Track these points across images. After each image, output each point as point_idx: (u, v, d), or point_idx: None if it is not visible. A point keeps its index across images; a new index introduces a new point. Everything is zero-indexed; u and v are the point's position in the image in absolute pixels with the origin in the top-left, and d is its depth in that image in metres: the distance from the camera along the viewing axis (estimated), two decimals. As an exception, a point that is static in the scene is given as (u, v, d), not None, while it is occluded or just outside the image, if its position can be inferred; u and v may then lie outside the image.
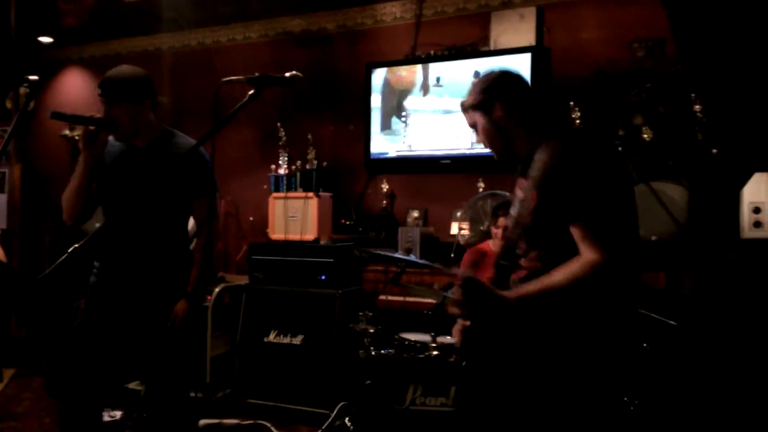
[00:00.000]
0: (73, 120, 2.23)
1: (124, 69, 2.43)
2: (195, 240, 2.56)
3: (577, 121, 3.68)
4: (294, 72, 1.82)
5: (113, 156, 2.45)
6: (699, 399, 2.85)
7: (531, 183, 1.79)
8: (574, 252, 1.66)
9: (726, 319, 2.96)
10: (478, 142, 2.00)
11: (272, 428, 3.63)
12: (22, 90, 5.43)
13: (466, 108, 1.95)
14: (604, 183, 1.70)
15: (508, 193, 3.82)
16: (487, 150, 2.03)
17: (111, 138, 2.45)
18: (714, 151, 3.36)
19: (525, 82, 1.96)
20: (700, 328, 2.91)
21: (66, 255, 1.57)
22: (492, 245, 3.55)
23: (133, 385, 3.96)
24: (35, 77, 2.05)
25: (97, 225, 1.85)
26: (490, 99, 1.87)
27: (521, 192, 1.86)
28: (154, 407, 2.54)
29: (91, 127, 2.26)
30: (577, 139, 1.87)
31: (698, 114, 3.43)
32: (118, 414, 3.63)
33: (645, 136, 3.55)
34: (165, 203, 2.41)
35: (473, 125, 1.96)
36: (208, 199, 2.49)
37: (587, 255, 1.63)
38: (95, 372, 2.37)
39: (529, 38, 4.05)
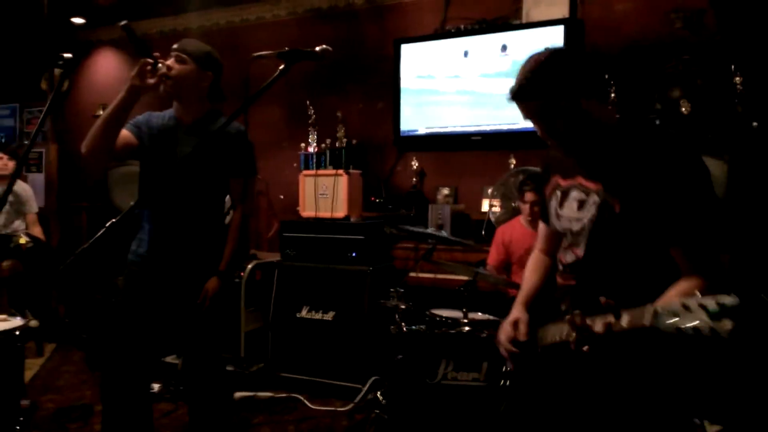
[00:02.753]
0: (136, 41, 2.17)
1: (204, 44, 2.51)
2: (229, 215, 2.60)
3: (612, 95, 3.60)
4: (324, 46, 1.80)
5: (160, 127, 2.48)
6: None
7: (611, 187, 1.57)
8: (648, 272, 1.52)
9: (765, 296, 2.90)
10: (542, 136, 1.62)
11: (305, 401, 3.69)
12: (57, 70, 5.51)
13: (525, 98, 1.57)
14: (712, 199, 1.50)
15: (539, 169, 3.78)
16: (517, 125, 1.85)
17: (158, 114, 2.50)
18: (754, 124, 3.26)
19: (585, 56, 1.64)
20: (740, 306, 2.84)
21: (104, 230, 1.59)
22: (522, 221, 3.52)
23: (170, 359, 4.06)
24: (69, 55, 2.07)
25: (132, 203, 1.87)
26: (568, 82, 1.53)
27: (584, 194, 1.65)
28: (192, 380, 2.60)
29: (150, 60, 2.22)
30: (679, 142, 1.57)
31: (738, 86, 3.32)
32: (156, 386, 3.72)
33: (683, 109, 3.46)
34: (205, 179, 2.44)
35: (534, 117, 1.60)
36: (245, 180, 2.54)
37: (693, 282, 1.44)
38: (136, 347, 2.43)
39: (562, 10, 3.96)
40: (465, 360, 2.79)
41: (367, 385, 3.65)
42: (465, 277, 3.15)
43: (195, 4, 5.24)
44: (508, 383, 1.74)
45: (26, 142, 5.84)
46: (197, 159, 2.37)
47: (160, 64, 2.26)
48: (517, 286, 3.23)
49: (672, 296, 1.42)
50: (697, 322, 1.18)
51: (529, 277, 1.94)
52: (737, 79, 3.31)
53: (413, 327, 3.01)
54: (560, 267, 1.78)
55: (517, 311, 1.82)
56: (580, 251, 1.67)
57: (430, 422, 2.81)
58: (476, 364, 2.77)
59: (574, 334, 1.45)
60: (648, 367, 1.57)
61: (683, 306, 1.21)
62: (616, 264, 1.59)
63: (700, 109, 3.44)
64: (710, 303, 1.18)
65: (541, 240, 1.94)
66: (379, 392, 3.22)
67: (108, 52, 6.02)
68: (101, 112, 5.64)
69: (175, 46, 2.42)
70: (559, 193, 1.75)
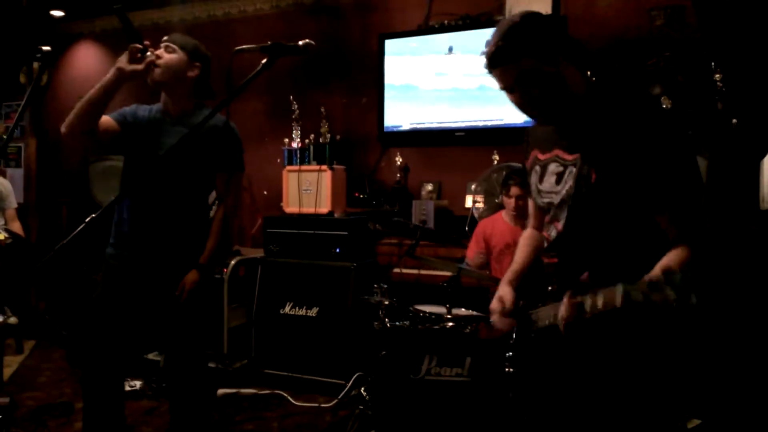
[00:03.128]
0: (127, 25, 2.16)
1: (192, 38, 2.53)
2: (213, 208, 2.58)
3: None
4: (307, 40, 1.79)
5: (146, 118, 2.46)
6: (715, 373, 2.84)
7: (588, 156, 1.56)
8: (628, 242, 1.51)
9: (744, 291, 2.94)
10: (519, 105, 1.59)
11: (289, 398, 3.68)
12: (35, 64, 5.43)
13: (501, 61, 1.53)
14: (693, 161, 1.48)
15: (522, 165, 3.79)
16: (501, 122, 1.85)
17: (145, 106, 2.49)
18: (734, 121, 3.29)
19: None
20: (719, 300, 2.88)
21: (83, 225, 1.57)
22: (504, 216, 3.53)
23: (152, 356, 4.02)
24: (48, 48, 2.04)
25: (113, 197, 1.85)
26: (544, 42, 1.50)
27: (562, 166, 1.64)
28: (173, 377, 2.58)
29: (138, 46, 2.22)
30: (651, 104, 1.56)
31: (718, 83, 3.35)
32: (137, 384, 3.69)
33: (663, 105, 3.49)
34: (189, 172, 2.43)
35: (511, 85, 1.56)
36: (230, 175, 2.53)
37: (680, 253, 1.44)
38: (114, 343, 2.41)
39: (545, 6, 3.98)
40: (448, 355, 2.79)
41: (351, 382, 3.65)
42: (448, 273, 3.16)
43: (176, -3, 5.19)
44: (512, 370, 1.74)
45: (4, 137, 5.75)
46: (181, 151, 2.32)
47: (149, 52, 2.25)
48: (498, 282, 3.26)
49: (662, 266, 1.41)
50: (665, 295, 1.21)
51: (518, 252, 1.95)
52: (717, 76, 3.34)
53: (397, 323, 3.01)
54: (545, 245, 1.78)
55: (501, 288, 1.83)
56: (560, 225, 1.67)
57: (414, 418, 2.82)
58: (460, 360, 2.78)
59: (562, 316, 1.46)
60: (626, 346, 1.57)
61: (650, 283, 1.24)
62: (595, 235, 1.57)
63: (680, 106, 3.47)
64: (676, 277, 1.21)
65: (532, 216, 1.95)
66: (362, 388, 3.22)
67: (88, 45, 5.94)
68: (81, 106, 5.59)
69: (165, 38, 2.42)
70: (538, 167, 1.75)
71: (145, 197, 2.41)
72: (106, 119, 2.34)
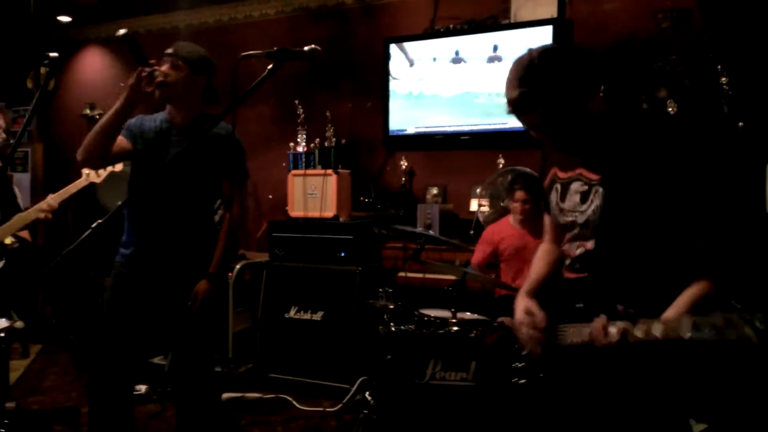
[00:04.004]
0: (134, 49, 2.19)
1: (198, 46, 2.52)
2: (219, 212, 2.59)
3: (600, 94, 3.62)
4: (313, 46, 1.79)
5: (153, 129, 2.48)
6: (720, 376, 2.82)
7: (614, 178, 1.54)
8: (660, 264, 1.51)
9: (750, 295, 2.92)
10: (545, 141, 1.62)
11: (293, 402, 3.68)
12: (43, 69, 5.46)
13: (526, 110, 1.53)
14: (727, 191, 1.52)
15: (528, 169, 3.79)
16: (506, 125, 1.83)
17: (150, 117, 2.50)
18: (740, 124, 3.28)
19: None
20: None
21: (90, 230, 1.58)
22: (511, 220, 3.53)
23: (157, 360, 4.03)
24: (55, 54, 2.06)
25: (119, 202, 1.86)
26: (560, 84, 1.48)
27: (587, 185, 1.62)
28: (180, 382, 2.58)
29: (147, 69, 2.23)
30: (682, 132, 1.60)
31: (724, 86, 3.34)
32: (143, 388, 3.70)
33: (670, 109, 3.47)
34: (195, 181, 2.44)
35: (538, 126, 1.56)
36: (236, 183, 2.55)
37: (702, 287, 1.44)
38: (122, 348, 2.41)
39: (550, 10, 3.98)
40: (453, 360, 2.79)
41: (356, 386, 3.65)
42: (453, 277, 3.16)
43: (183, 2, 5.21)
44: (523, 381, 1.73)
45: (11, 141, 5.77)
46: (187, 160, 2.36)
47: (156, 72, 2.26)
48: (506, 286, 3.25)
49: (685, 303, 1.42)
50: (744, 334, 1.23)
51: (536, 265, 1.93)
52: (723, 79, 3.33)
53: (402, 327, 3.01)
54: (567, 261, 1.75)
55: (524, 300, 1.79)
56: (589, 244, 1.64)
57: (419, 422, 2.81)
58: (465, 364, 2.78)
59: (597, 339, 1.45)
60: (664, 372, 1.56)
61: (725, 319, 1.25)
62: (627, 257, 1.57)
63: (686, 110, 3.46)
64: (757, 318, 1.23)
65: (549, 231, 1.93)
66: (367, 392, 3.22)
67: (94, 51, 5.97)
68: (88, 111, 5.63)
69: (169, 50, 2.41)
70: (558, 185, 1.73)
71: (153, 205, 2.43)
72: (118, 138, 2.36)
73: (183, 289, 2.44)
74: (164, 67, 2.35)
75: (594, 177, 1.61)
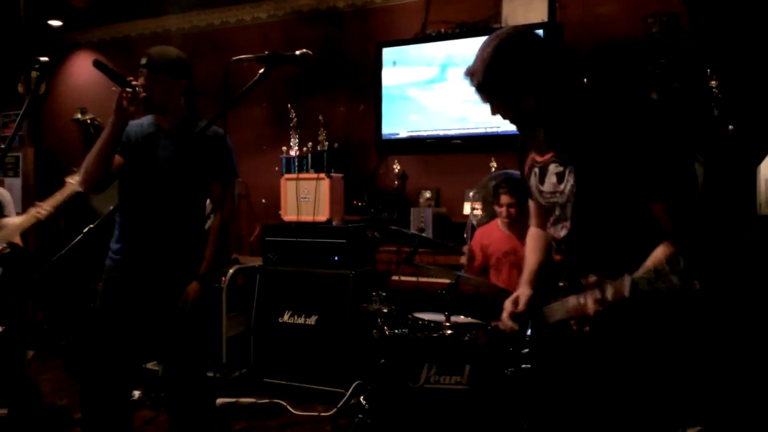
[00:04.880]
0: (112, 75, 2.18)
1: (169, 48, 2.50)
2: (210, 218, 2.59)
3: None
4: (304, 50, 1.80)
5: (140, 135, 2.47)
6: (714, 379, 2.84)
7: (581, 155, 1.60)
8: (633, 236, 1.55)
9: (742, 297, 2.94)
10: (501, 114, 1.68)
11: (288, 407, 3.67)
12: (34, 74, 5.43)
13: (484, 96, 1.65)
14: (688, 154, 1.57)
15: (519, 173, 3.79)
16: (499, 129, 1.89)
17: (138, 120, 2.49)
18: (730, 127, 3.31)
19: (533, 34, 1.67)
20: (717, 306, 2.89)
21: (81, 236, 1.58)
22: (499, 224, 3.54)
23: (150, 365, 4.01)
24: (46, 58, 2.05)
25: (111, 207, 1.86)
26: (516, 77, 1.57)
27: (562, 166, 1.67)
28: (172, 386, 2.57)
29: (128, 89, 2.22)
30: (646, 97, 1.66)
31: (714, 90, 3.37)
32: (136, 393, 3.67)
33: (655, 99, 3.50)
34: (184, 183, 2.44)
35: (494, 112, 1.68)
36: (225, 184, 2.55)
37: (665, 249, 1.48)
38: (117, 354, 2.40)
39: (541, 14, 4.00)
40: (447, 363, 2.79)
41: (350, 390, 3.65)
42: (447, 281, 3.16)
43: (175, 6, 5.20)
44: (529, 366, 1.76)
45: (2, 146, 5.75)
46: (176, 163, 2.37)
47: (138, 89, 2.25)
48: (499, 289, 3.25)
49: (648, 265, 1.46)
50: (671, 282, 1.27)
51: (529, 255, 1.96)
52: (713, 82, 3.35)
53: (396, 331, 3.01)
54: (554, 244, 1.79)
55: (520, 289, 1.85)
56: (569, 223, 1.69)
57: (414, 426, 2.81)
58: (459, 368, 2.78)
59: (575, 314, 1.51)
60: (631, 340, 1.61)
61: (655, 272, 1.30)
62: (600, 229, 1.62)
63: (676, 113, 3.48)
64: (681, 262, 1.27)
65: (533, 216, 1.96)
66: (362, 397, 3.22)
67: (85, 55, 5.94)
68: (79, 116, 5.59)
69: (143, 61, 2.38)
70: (537, 169, 1.77)
71: (143, 209, 2.43)
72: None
73: (174, 291, 2.43)
74: (141, 81, 2.33)
75: (565, 157, 1.66)
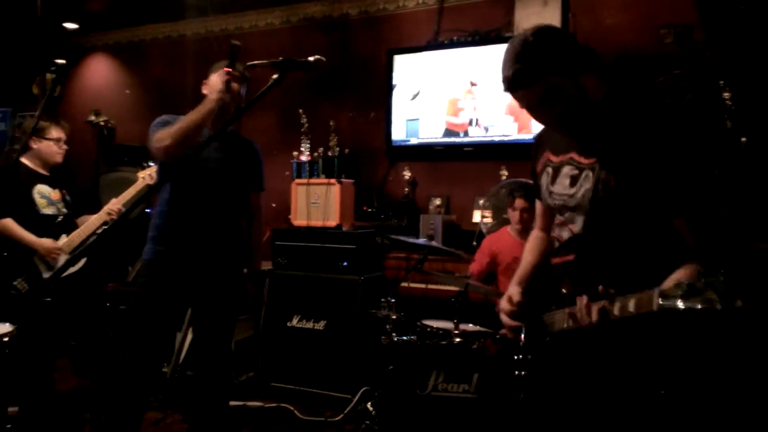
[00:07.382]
0: (234, 58, 2.36)
1: None
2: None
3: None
4: (317, 56, 1.82)
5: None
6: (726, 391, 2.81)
7: (607, 161, 1.56)
8: (648, 247, 1.53)
9: (755, 310, 2.91)
10: (542, 121, 1.65)
11: (295, 412, 3.67)
12: (49, 76, 5.50)
13: (522, 84, 1.54)
14: (711, 170, 1.57)
15: (531, 181, 3.79)
16: (510, 137, 1.86)
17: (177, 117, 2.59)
18: (743, 139, 3.29)
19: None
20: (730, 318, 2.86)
21: (95, 236, 1.59)
22: (510, 230, 3.53)
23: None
24: (62, 61, 2.08)
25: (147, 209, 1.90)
26: (563, 56, 1.52)
27: (577, 169, 1.64)
28: (202, 364, 2.66)
29: (236, 73, 2.39)
30: (674, 112, 1.63)
31: (727, 101, 3.35)
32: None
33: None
34: (234, 186, 2.61)
35: (535, 104, 1.58)
36: (260, 194, 2.77)
37: (690, 269, 1.43)
38: (155, 344, 2.50)
39: (553, 23, 4.00)
40: (456, 371, 2.79)
41: (358, 396, 3.64)
42: (456, 288, 3.16)
43: (190, 11, 5.25)
44: (524, 373, 1.74)
45: (17, 147, 5.79)
46: (227, 165, 2.56)
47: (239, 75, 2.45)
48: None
49: (676, 278, 1.41)
50: (708, 299, 1.21)
51: (526, 255, 1.96)
52: (726, 94, 3.34)
53: (404, 337, 3.01)
54: (555, 244, 1.78)
55: (510, 289, 1.86)
56: (576, 227, 1.67)
57: (420, 433, 2.81)
58: (467, 376, 2.77)
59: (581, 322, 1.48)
60: (651, 350, 1.58)
61: (689, 287, 1.23)
62: (615, 239, 1.59)
63: (689, 124, 3.47)
64: (718, 280, 1.21)
65: (539, 218, 1.95)
66: (369, 403, 3.21)
67: (100, 58, 6.01)
68: (93, 118, 5.65)
69: (240, 66, 2.51)
70: (550, 169, 1.75)
71: (189, 208, 2.51)
72: None
73: (216, 288, 2.56)
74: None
75: (585, 161, 1.63)
